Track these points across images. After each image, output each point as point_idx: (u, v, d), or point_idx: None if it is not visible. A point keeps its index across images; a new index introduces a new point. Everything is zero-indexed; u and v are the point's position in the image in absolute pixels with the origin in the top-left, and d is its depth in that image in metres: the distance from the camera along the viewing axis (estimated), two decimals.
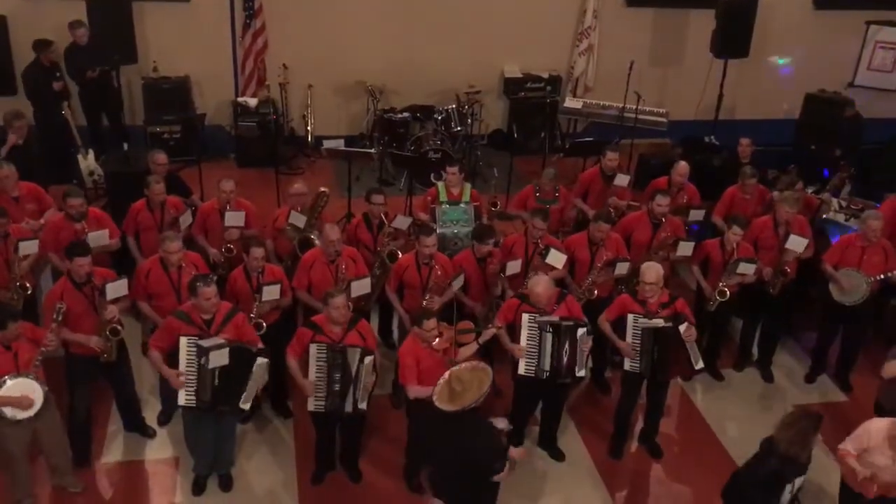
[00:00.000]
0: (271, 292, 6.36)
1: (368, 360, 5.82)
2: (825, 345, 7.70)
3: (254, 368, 5.72)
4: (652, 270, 6.32)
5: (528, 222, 7.07)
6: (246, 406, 5.84)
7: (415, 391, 5.80)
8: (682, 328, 6.25)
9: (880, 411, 6.24)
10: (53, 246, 6.77)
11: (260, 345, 5.96)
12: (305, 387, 5.88)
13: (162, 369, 5.83)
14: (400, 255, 6.98)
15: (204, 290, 5.69)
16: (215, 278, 6.48)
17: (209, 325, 5.80)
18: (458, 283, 6.64)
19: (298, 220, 7.16)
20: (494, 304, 6.80)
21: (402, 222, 7.33)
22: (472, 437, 5.00)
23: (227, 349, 5.61)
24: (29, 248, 6.59)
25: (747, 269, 7.03)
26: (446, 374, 5.14)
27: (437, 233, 7.27)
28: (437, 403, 5.03)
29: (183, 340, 5.67)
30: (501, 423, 5.30)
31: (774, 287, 7.28)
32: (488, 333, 6.16)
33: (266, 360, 5.79)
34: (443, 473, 5.30)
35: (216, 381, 5.64)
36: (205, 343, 5.61)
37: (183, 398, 5.72)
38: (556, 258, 6.76)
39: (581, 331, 6.16)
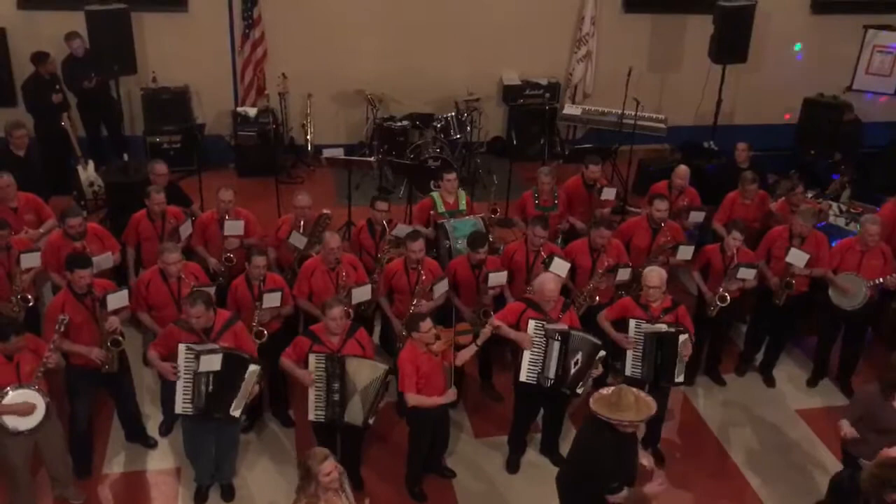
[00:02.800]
0: (272, 299, 6.37)
1: (389, 378, 5.87)
2: (826, 349, 7.69)
3: (246, 375, 5.70)
4: (655, 274, 6.34)
5: (529, 230, 7.07)
6: (236, 414, 5.80)
7: (414, 400, 5.80)
8: (681, 340, 6.24)
9: (846, 456, 5.97)
10: (54, 265, 6.74)
11: (254, 356, 5.97)
12: (304, 378, 5.87)
13: (157, 364, 5.84)
14: None
15: (189, 311, 5.68)
16: (213, 289, 6.50)
17: (208, 333, 5.81)
18: (440, 288, 6.64)
19: (299, 241, 7.15)
20: (481, 312, 6.79)
21: (402, 230, 7.35)
22: (608, 446, 4.91)
23: (220, 355, 5.62)
24: (31, 260, 6.58)
25: (748, 273, 7.03)
26: (621, 386, 5.07)
27: (450, 247, 7.40)
28: (591, 404, 4.98)
29: (181, 347, 5.69)
30: (645, 460, 5.21)
31: (780, 298, 7.26)
32: (486, 333, 6.14)
33: (258, 367, 5.77)
34: (568, 468, 5.27)
35: (209, 387, 5.66)
36: (198, 347, 5.65)
37: (180, 405, 5.74)
38: (560, 266, 6.75)
39: (601, 354, 6.16)
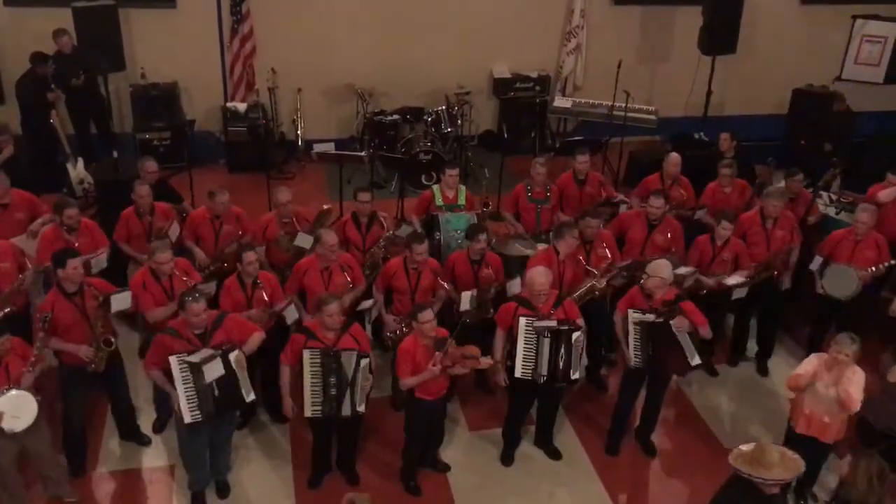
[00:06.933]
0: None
1: (364, 362, 5.82)
2: (819, 338, 7.71)
3: (234, 365, 5.59)
4: (663, 267, 6.31)
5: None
6: (251, 397, 5.72)
7: (409, 382, 5.82)
8: (673, 322, 6.19)
9: (864, 427, 6.11)
10: (49, 259, 6.70)
11: (256, 334, 5.91)
12: (286, 405, 5.93)
13: (167, 387, 5.66)
14: None
15: (192, 307, 5.53)
16: (213, 285, 6.46)
17: (201, 337, 5.68)
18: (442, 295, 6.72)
19: (305, 241, 7.04)
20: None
21: (405, 231, 7.31)
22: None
23: (219, 359, 5.52)
24: (26, 247, 6.61)
25: (740, 293, 7.16)
26: (763, 442, 4.82)
27: (441, 240, 7.39)
28: (731, 460, 4.72)
29: (173, 361, 5.49)
30: None
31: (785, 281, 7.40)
32: (485, 363, 6.06)
33: (238, 350, 5.64)
34: None
35: (216, 391, 5.56)
36: (195, 359, 5.48)
37: (188, 416, 5.55)
38: None
39: (576, 334, 6.13)
